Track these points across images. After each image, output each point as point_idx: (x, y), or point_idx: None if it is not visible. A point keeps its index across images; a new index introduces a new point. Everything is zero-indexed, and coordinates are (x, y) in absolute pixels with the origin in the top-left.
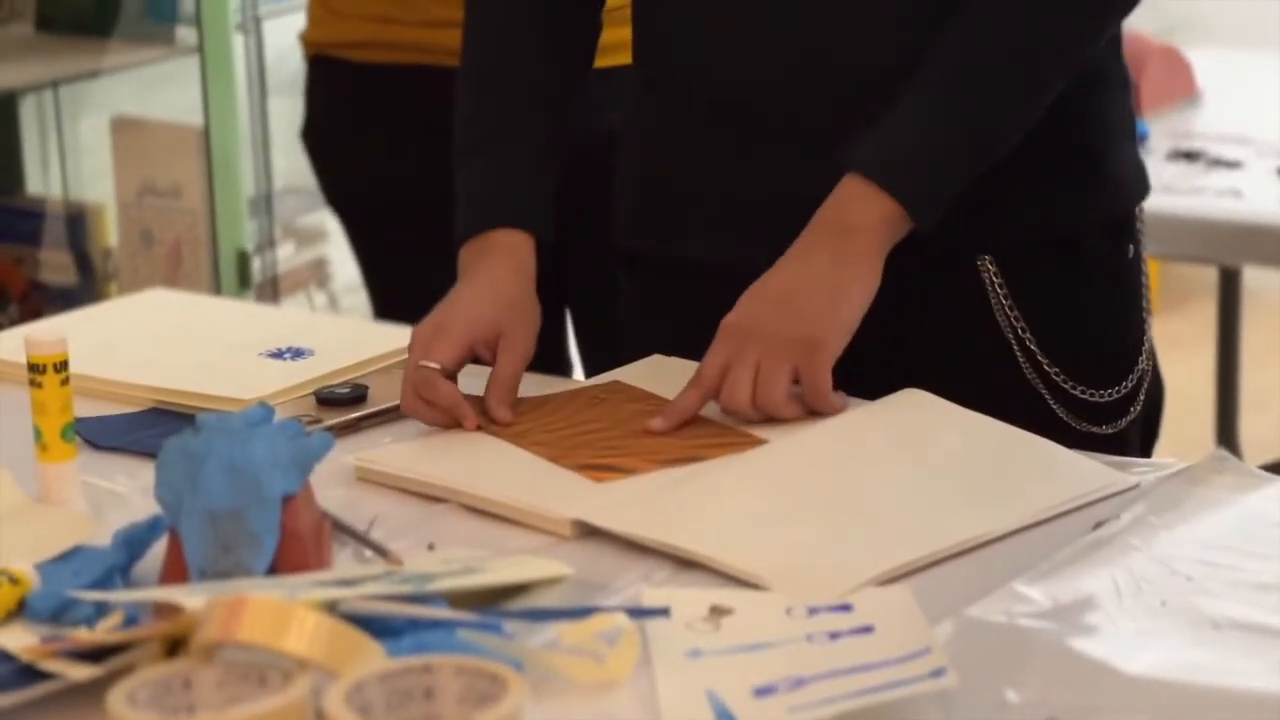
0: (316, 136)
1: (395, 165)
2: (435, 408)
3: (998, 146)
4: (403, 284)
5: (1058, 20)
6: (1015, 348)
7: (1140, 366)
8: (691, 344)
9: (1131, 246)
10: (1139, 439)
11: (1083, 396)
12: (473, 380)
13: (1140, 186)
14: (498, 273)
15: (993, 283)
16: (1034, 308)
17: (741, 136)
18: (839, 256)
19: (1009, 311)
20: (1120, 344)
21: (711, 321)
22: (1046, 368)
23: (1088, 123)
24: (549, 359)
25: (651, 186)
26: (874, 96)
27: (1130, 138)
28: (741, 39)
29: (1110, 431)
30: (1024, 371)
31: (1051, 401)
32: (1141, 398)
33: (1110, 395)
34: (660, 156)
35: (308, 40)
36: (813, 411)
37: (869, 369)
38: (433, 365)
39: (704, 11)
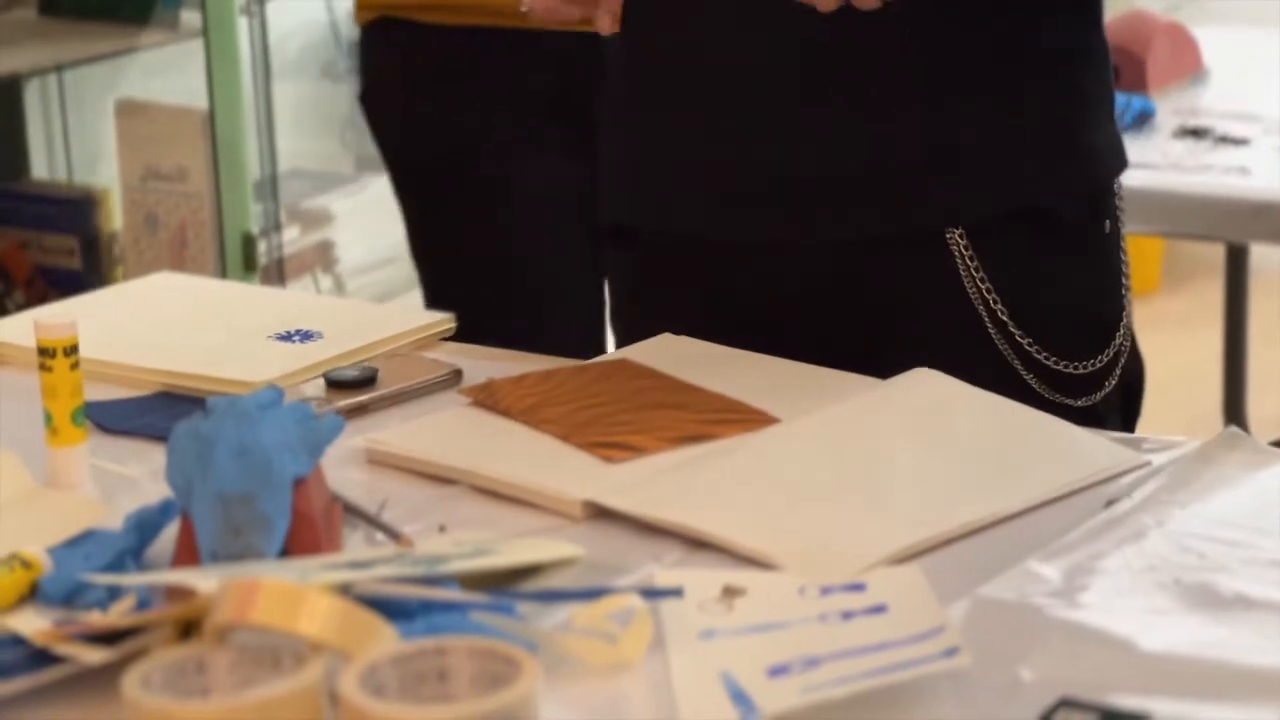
0: (377, 100)
1: (458, 125)
2: None
3: None
4: (453, 247)
5: None
6: (986, 318)
7: (1117, 342)
8: (690, 319)
9: (1109, 222)
10: (1119, 416)
11: (1054, 367)
12: (479, 369)
13: (1116, 162)
14: None
15: (963, 254)
16: (1005, 279)
17: (734, 112)
18: None
19: (980, 283)
20: (1095, 318)
21: (709, 296)
22: (1019, 338)
23: (1062, 96)
24: (590, 337)
25: (643, 162)
26: (874, 73)
27: (1108, 112)
28: (739, 13)
29: (1084, 404)
30: (995, 341)
31: (1023, 371)
32: (1118, 373)
33: (1083, 368)
34: (652, 133)
35: (364, 3)
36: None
37: (840, 343)
38: None
39: None
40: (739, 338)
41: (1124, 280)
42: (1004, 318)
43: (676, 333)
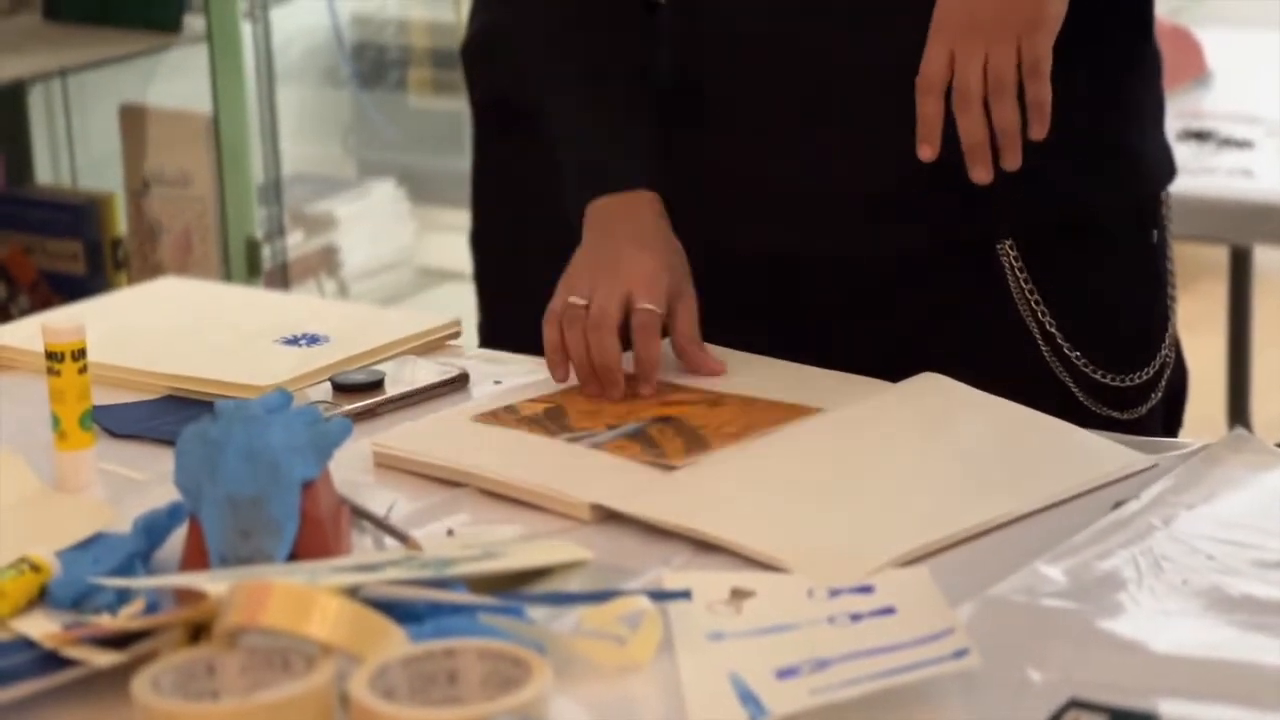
0: (476, 52)
1: None
2: (614, 360)
3: None
4: (514, 178)
5: None
6: (1035, 331)
7: (1163, 354)
8: (737, 329)
9: (1156, 232)
10: (1160, 428)
11: (1102, 381)
12: (485, 372)
13: (1166, 171)
14: (662, 230)
15: (1013, 266)
16: (1055, 290)
17: (781, 130)
18: None
19: (1029, 295)
20: (1142, 330)
21: (757, 308)
22: (1067, 351)
23: (1114, 105)
24: None
25: (690, 178)
26: (904, 86)
27: (1158, 122)
28: (776, 35)
29: (1130, 418)
30: (1044, 354)
31: (1072, 385)
32: (1163, 385)
33: (1130, 381)
34: (698, 149)
35: None
36: (1024, 93)
37: (889, 353)
38: (657, 309)
39: (739, 7)
40: (785, 349)
41: (1170, 291)
42: (1052, 330)
43: (722, 343)
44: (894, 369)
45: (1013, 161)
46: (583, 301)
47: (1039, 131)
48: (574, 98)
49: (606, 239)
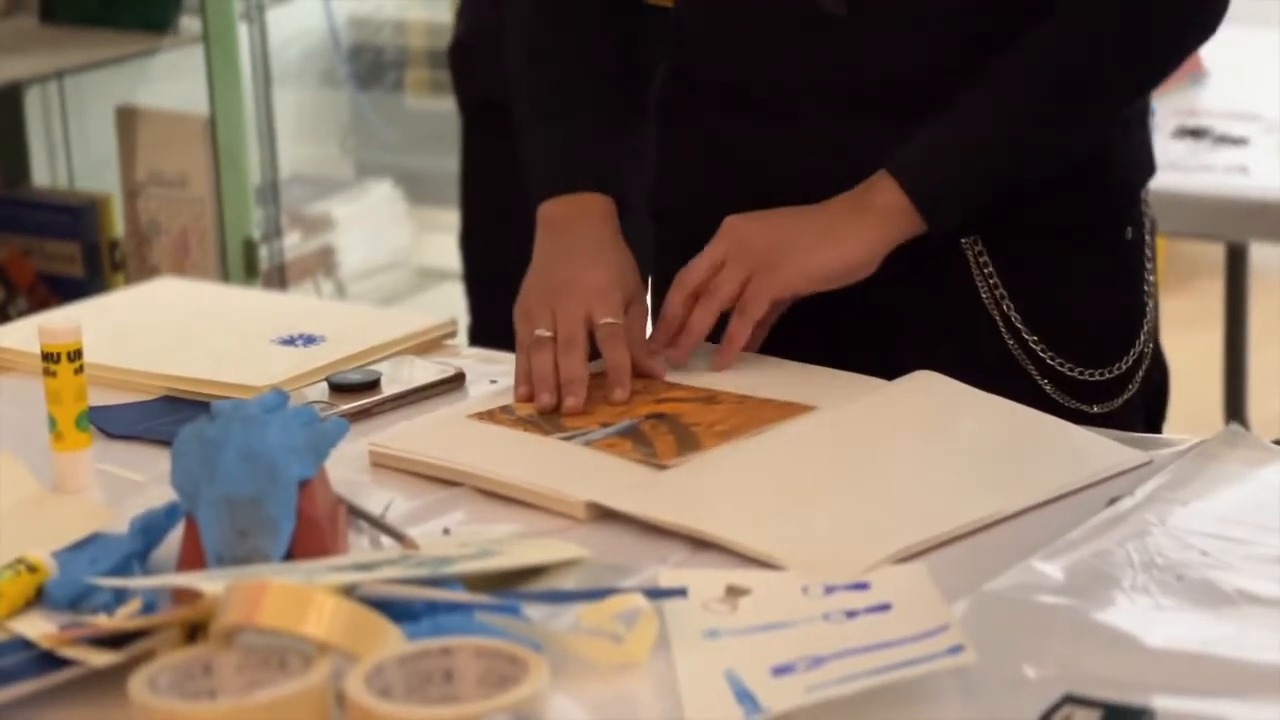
0: (463, 52)
1: None
2: (581, 375)
3: (1029, 169)
4: (502, 178)
5: (1118, 58)
6: (1000, 324)
7: (1137, 349)
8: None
9: (1130, 228)
10: (1141, 422)
11: (1070, 374)
12: (481, 371)
13: (1142, 172)
14: (611, 239)
15: (976, 260)
16: (1023, 284)
17: (765, 118)
18: (853, 219)
19: (994, 289)
20: (1113, 325)
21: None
22: (1033, 345)
23: None
24: None
25: (675, 163)
26: (898, 84)
27: (1139, 122)
28: (775, 37)
29: (1101, 411)
30: (1009, 347)
31: (1038, 377)
32: (1138, 380)
33: (1100, 375)
34: (685, 134)
35: None
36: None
37: (855, 348)
38: (618, 321)
39: (736, 6)
40: (768, 344)
41: (1146, 287)
42: (1018, 324)
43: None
44: (862, 361)
45: (719, 365)
46: (548, 333)
47: (718, 365)
48: (539, 98)
49: (557, 255)
